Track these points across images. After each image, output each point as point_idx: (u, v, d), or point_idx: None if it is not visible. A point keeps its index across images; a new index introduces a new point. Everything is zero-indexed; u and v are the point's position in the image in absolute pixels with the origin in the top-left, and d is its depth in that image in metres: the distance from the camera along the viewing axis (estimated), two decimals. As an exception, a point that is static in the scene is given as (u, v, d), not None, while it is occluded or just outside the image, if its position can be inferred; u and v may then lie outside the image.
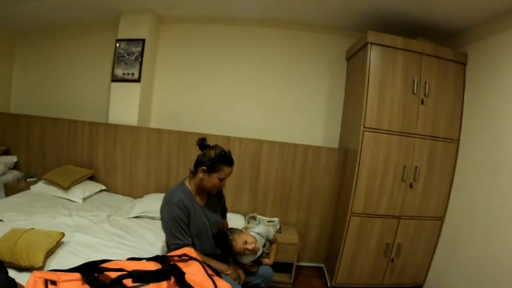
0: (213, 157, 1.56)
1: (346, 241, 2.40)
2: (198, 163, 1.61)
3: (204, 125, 2.98)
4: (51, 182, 2.69)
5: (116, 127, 2.90)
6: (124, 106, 2.92)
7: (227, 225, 1.95)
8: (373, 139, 2.27)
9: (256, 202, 2.83)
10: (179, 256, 1.13)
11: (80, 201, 2.59)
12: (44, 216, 2.15)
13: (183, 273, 1.01)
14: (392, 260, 2.44)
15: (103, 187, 2.90)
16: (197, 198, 1.65)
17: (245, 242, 1.64)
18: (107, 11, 2.95)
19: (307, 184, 2.79)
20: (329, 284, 2.58)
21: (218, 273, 1.23)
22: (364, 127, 2.25)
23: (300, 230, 2.82)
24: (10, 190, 2.87)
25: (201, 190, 1.65)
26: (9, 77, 3.69)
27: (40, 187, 2.72)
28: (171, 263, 1.08)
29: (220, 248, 1.69)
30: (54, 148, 3.14)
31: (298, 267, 2.74)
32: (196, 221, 1.60)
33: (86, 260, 1.59)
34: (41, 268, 1.54)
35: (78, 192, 2.63)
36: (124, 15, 2.93)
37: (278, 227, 2.67)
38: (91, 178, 2.95)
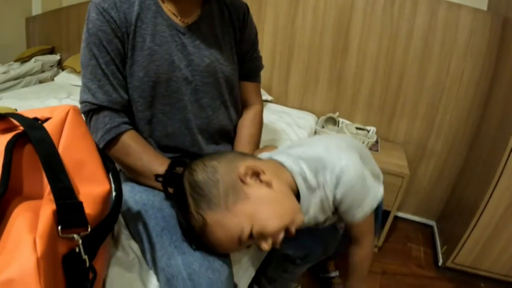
0: None
1: (498, 186, 1.19)
2: None
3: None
4: (70, 69, 2.17)
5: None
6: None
7: (256, 98, 0.90)
8: None
9: (340, 96, 1.72)
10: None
11: (94, 86, 1.98)
12: (34, 101, 1.68)
13: None
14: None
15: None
16: (167, 7, 0.71)
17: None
18: None
19: (432, 72, 1.55)
20: (441, 261, 1.44)
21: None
22: None
23: (410, 155, 1.67)
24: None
25: None
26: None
27: (62, 77, 2.30)
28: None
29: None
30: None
31: (394, 218, 1.54)
32: (150, 54, 0.70)
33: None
34: None
35: (94, 77, 2.02)
36: None
37: (374, 139, 1.57)
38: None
